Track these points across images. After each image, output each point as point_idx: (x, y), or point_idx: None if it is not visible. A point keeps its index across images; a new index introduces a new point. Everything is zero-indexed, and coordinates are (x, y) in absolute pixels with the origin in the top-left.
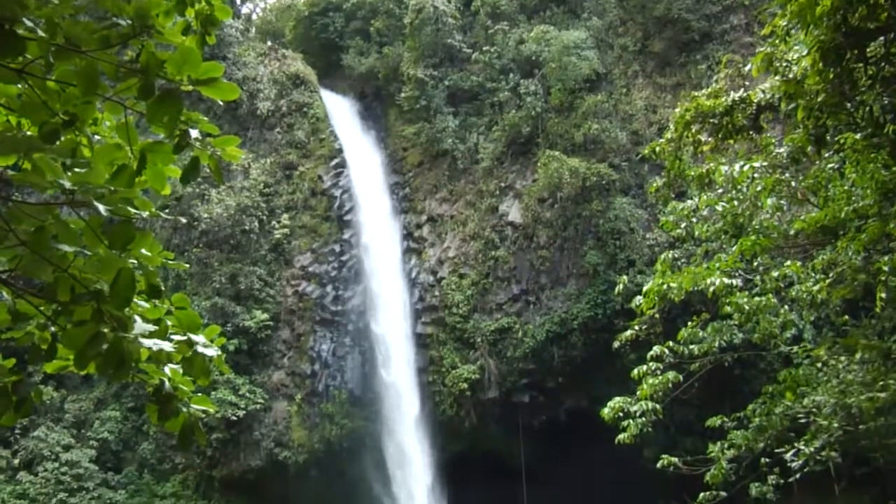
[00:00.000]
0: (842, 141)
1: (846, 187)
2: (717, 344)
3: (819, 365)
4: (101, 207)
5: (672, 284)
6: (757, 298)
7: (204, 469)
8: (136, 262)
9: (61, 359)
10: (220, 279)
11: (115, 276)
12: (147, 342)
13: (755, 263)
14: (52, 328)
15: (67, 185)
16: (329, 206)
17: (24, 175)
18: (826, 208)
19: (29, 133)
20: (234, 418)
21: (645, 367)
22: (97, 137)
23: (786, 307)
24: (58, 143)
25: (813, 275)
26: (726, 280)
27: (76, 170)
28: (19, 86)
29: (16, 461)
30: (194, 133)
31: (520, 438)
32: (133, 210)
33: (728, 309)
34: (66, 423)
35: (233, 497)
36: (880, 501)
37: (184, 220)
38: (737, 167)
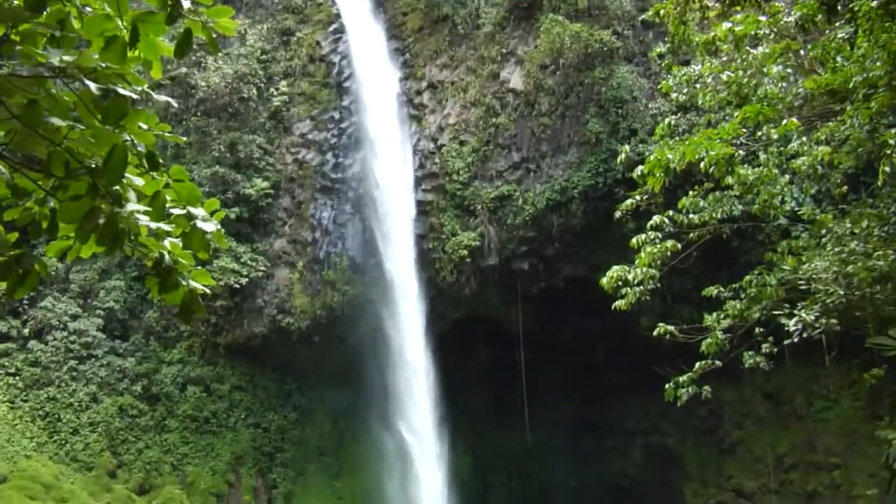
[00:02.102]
0: (855, 9)
1: (858, 54)
2: (716, 214)
3: (823, 232)
4: (92, 85)
5: (673, 156)
6: (758, 169)
7: (209, 336)
8: (129, 137)
9: (63, 237)
10: (220, 147)
11: (108, 152)
12: (143, 219)
13: (758, 134)
14: (52, 203)
15: (55, 61)
16: (328, 72)
17: (12, 48)
18: (836, 74)
19: (15, 3)
20: (237, 286)
21: (644, 236)
22: (87, 9)
23: (786, 177)
24: (45, 13)
25: (815, 147)
26: (728, 150)
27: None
28: None
29: (26, 330)
30: (186, 3)
31: (518, 305)
32: (126, 86)
33: (729, 180)
34: (72, 293)
35: (237, 363)
36: (868, 370)
37: (175, 105)
38: (741, 25)
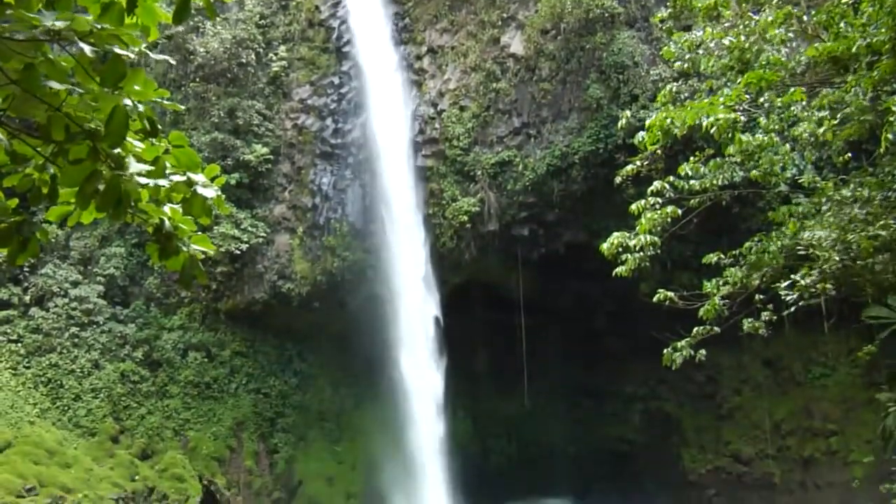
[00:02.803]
0: None
1: (862, 21)
2: (717, 181)
3: (823, 200)
4: (88, 48)
5: (675, 119)
6: (759, 136)
7: (209, 302)
8: (129, 100)
9: (63, 203)
10: (219, 113)
11: (108, 114)
12: (144, 180)
13: (760, 100)
14: (51, 169)
15: (49, 24)
16: (327, 37)
17: (4, 11)
18: (839, 40)
19: None
20: (238, 252)
21: (644, 202)
22: None
23: (787, 145)
24: None
25: (817, 114)
26: (730, 116)
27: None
28: None
29: (27, 298)
30: None
31: (518, 271)
32: (123, 47)
33: (730, 150)
34: (73, 259)
35: (238, 328)
36: (866, 336)
37: (173, 62)
38: None
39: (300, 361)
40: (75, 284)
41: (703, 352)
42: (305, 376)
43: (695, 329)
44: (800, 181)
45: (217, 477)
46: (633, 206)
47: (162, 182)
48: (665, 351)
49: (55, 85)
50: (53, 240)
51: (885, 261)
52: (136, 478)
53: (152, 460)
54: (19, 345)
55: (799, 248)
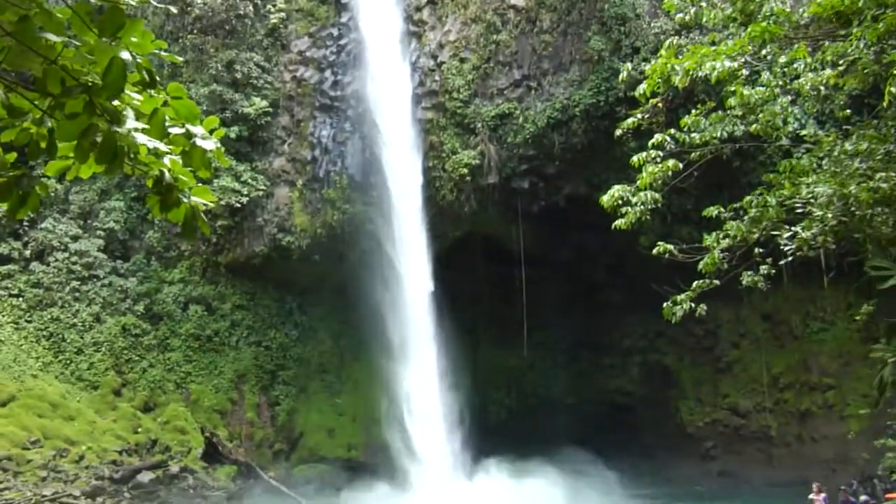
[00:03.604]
0: None
1: None
2: (718, 134)
3: (821, 156)
4: None
5: (676, 66)
6: (761, 88)
7: (209, 255)
8: (127, 52)
9: (62, 157)
10: (217, 66)
11: (106, 66)
12: (141, 138)
13: (763, 53)
14: (49, 123)
15: None
16: None
17: None
18: None
19: None
20: (238, 205)
21: (645, 155)
22: None
23: (789, 98)
24: None
25: (820, 67)
26: (732, 63)
27: None
28: None
29: (27, 252)
30: None
31: (518, 223)
32: None
33: (732, 102)
34: (72, 213)
35: (238, 282)
36: (865, 290)
37: (174, 10)
38: None
39: (300, 314)
40: (75, 238)
41: (703, 306)
42: (306, 329)
43: (695, 283)
44: (801, 134)
45: (219, 429)
46: (634, 159)
47: (160, 146)
48: (665, 304)
49: (51, 37)
50: (53, 194)
51: (884, 214)
52: (139, 430)
53: (154, 413)
54: (20, 299)
55: (798, 202)
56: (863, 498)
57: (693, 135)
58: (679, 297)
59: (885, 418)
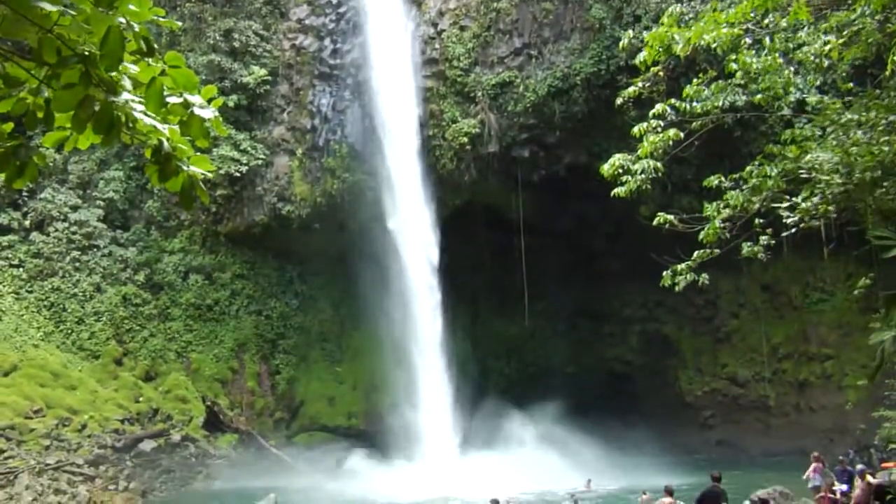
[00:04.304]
0: None
1: None
2: (719, 103)
3: (826, 123)
4: None
5: (677, 35)
6: (763, 58)
7: (209, 225)
8: (124, 20)
9: (59, 128)
10: (215, 35)
11: (103, 36)
12: (139, 108)
13: (766, 21)
14: (46, 93)
15: None
16: None
17: None
18: None
19: None
20: (237, 174)
21: (646, 125)
22: None
23: (791, 69)
24: None
25: (823, 37)
26: (733, 30)
27: None
28: None
29: (27, 222)
30: None
31: (518, 192)
32: None
33: (734, 66)
34: (72, 184)
35: (238, 251)
36: (866, 260)
37: None
38: None
39: (301, 283)
40: (75, 209)
41: (705, 276)
42: (306, 298)
43: (695, 252)
44: (804, 100)
45: (220, 398)
46: (635, 129)
47: (157, 124)
48: (664, 273)
49: (46, 6)
50: (52, 164)
51: (888, 182)
52: (141, 399)
53: (156, 382)
54: (21, 269)
55: (801, 171)
56: (859, 467)
57: (694, 104)
58: (679, 268)
59: (882, 389)
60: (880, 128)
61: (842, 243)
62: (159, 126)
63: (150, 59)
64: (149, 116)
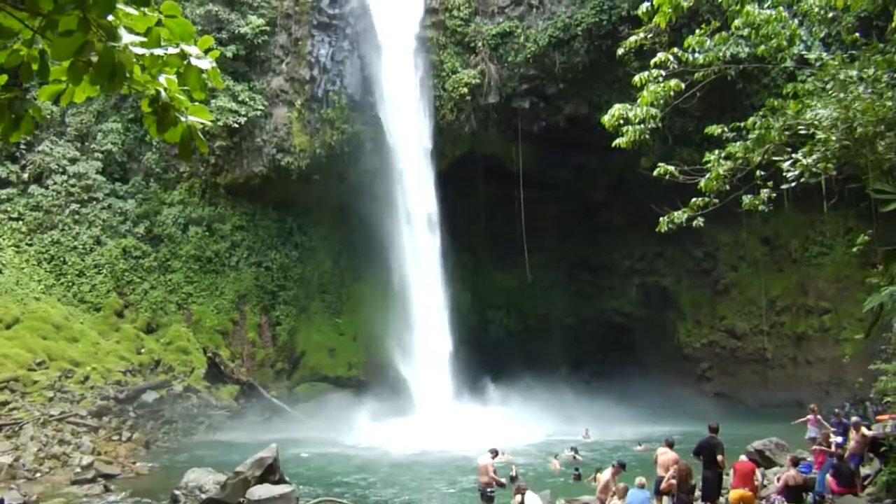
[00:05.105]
0: None
1: None
2: (722, 54)
3: (826, 79)
4: None
5: None
6: (768, 12)
7: (209, 177)
8: None
9: (55, 80)
10: None
11: None
12: (138, 50)
13: None
14: (41, 44)
15: None
16: None
17: None
18: None
19: None
20: (236, 126)
21: (647, 74)
22: None
23: (796, 20)
24: None
25: None
26: None
27: None
28: None
29: (25, 175)
30: None
31: (518, 144)
32: None
33: (737, 23)
34: (69, 136)
35: (238, 203)
36: (866, 215)
37: None
38: None
39: (300, 235)
40: (73, 161)
41: (700, 220)
42: (306, 249)
43: (693, 200)
44: (806, 57)
45: (221, 349)
46: (636, 79)
47: (157, 51)
48: (661, 219)
49: None
50: (48, 116)
51: (888, 138)
52: (142, 351)
53: (157, 334)
54: (20, 222)
55: (801, 126)
56: (854, 419)
57: (697, 55)
58: (675, 214)
59: (879, 343)
60: (882, 83)
61: (842, 198)
62: (159, 53)
63: (146, 9)
64: (153, 56)
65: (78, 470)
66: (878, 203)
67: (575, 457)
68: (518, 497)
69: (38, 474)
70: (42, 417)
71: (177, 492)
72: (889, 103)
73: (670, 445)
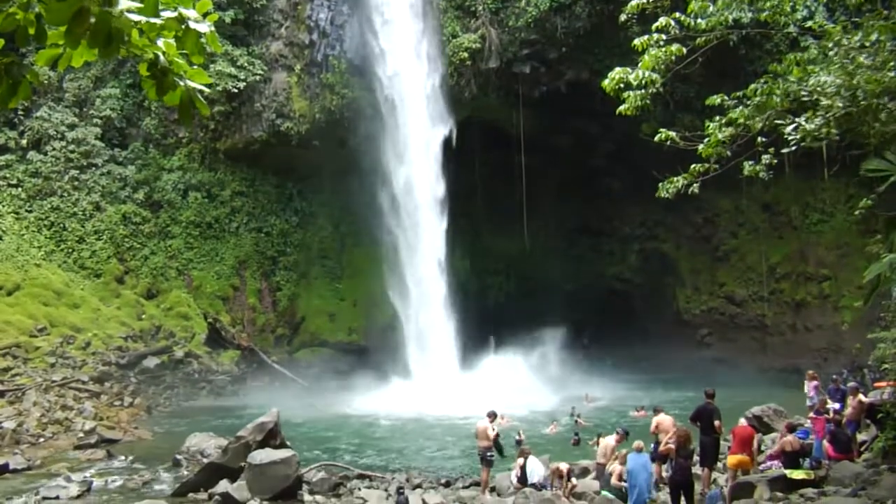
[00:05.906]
0: None
1: None
2: (724, 19)
3: (829, 45)
4: None
5: None
6: None
7: (208, 142)
8: None
9: (52, 45)
10: None
11: None
12: (135, 17)
13: None
14: (37, 8)
15: None
16: None
17: None
18: None
19: None
20: (235, 90)
21: (648, 38)
22: None
23: None
24: None
25: None
26: None
27: None
28: None
29: (23, 141)
30: None
31: (519, 109)
32: None
33: None
34: (68, 101)
35: (238, 168)
36: (866, 182)
37: None
38: None
39: (300, 200)
40: (72, 127)
41: (695, 186)
42: (306, 215)
43: (693, 166)
44: (809, 24)
45: (221, 315)
46: (637, 42)
47: (154, 20)
48: (660, 185)
49: None
50: (46, 81)
51: (891, 108)
52: (143, 317)
53: (158, 299)
54: (20, 189)
55: (804, 93)
56: (850, 384)
57: (699, 20)
58: (675, 179)
59: (878, 310)
60: (886, 51)
61: (843, 165)
62: (156, 20)
63: None
64: (150, 21)
65: (81, 435)
66: (875, 181)
67: (577, 421)
68: (521, 460)
69: (42, 439)
70: (44, 383)
71: (179, 456)
72: (891, 74)
73: (660, 411)
